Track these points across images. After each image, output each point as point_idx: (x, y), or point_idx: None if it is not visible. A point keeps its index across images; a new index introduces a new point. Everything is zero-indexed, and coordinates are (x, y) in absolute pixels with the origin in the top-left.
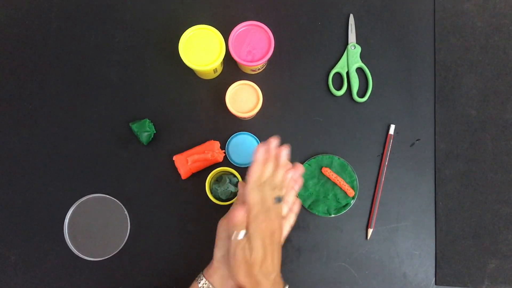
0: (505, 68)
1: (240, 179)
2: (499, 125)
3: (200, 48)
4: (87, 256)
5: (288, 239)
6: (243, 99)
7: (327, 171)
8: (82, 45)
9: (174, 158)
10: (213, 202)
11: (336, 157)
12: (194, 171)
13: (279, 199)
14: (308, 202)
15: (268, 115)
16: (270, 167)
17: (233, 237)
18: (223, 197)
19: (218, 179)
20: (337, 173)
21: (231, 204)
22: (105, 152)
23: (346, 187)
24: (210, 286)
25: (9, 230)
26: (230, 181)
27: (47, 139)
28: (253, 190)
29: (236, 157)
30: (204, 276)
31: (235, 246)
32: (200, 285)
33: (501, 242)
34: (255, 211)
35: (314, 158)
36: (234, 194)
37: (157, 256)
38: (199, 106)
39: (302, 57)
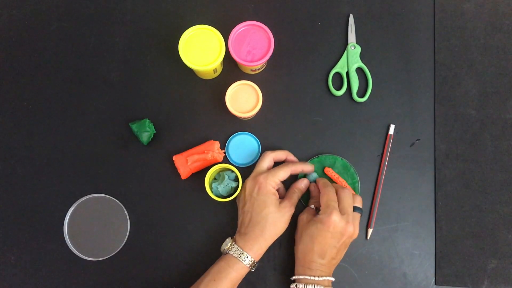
0: (505, 68)
1: (238, 173)
2: (499, 125)
3: (200, 48)
4: (87, 256)
5: (288, 240)
6: (243, 99)
7: (329, 172)
8: (82, 45)
9: (174, 158)
10: (213, 202)
11: (339, 158)
12: (194, 171)
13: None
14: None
15: (268, 115)
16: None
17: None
18: (225, 194)
19: (216, 177)
20: (340, 173)
21: (234, 199)
22: (105, 152)
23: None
24: (244, 252)
25: (9, 230)
26: (229, 177)
27: (47, 139)
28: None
29: (236, 157)
30: (237, 243)
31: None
32: (232, 252)
33: (501, 242)
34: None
35: (317, 158)
36: (235, 189)
37: (157, 256)
38: (199, 106)
39: (302, 57)
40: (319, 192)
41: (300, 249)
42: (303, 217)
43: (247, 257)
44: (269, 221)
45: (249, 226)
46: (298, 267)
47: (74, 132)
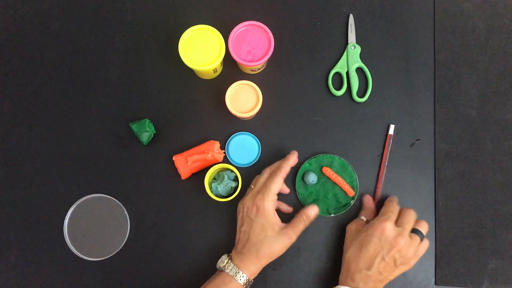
0: (505, 68)
1: (237, 173)
2: (499, 125)
3: (200, 48)
4: (87, 256)
5: None
6: (243, 99)
7: (327, 171)
8: (82, 46)
9: (174, 158)
10: (213, 202)
11: (336, 157)
12: (194, 171)
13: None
14: (308, 201)
15: (268, 115)
16: None
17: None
18: (224, 194)
19: (216, 177)
20: (338, 172)
21: (233, 199)
22: (105, 152)
23: (346, 187)
24: (244, 275)
25: (9, 230)
26: (229, 177)
27: (47, 139)
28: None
29: (236, 157)
30: (234, 263)
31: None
32: (228, 270)
33: (501, 242)
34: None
35: (314, 157)
36: (235, 189)
37: (157, 256)
38: (199, 106)
39: (302, 57)
40: (373, 204)
41: (347, 257)
42: (352, 227)
43: (242, 276)
44: (266, 244)
45: (246, 246)
46: (342, 277)
47: (74, 132)
